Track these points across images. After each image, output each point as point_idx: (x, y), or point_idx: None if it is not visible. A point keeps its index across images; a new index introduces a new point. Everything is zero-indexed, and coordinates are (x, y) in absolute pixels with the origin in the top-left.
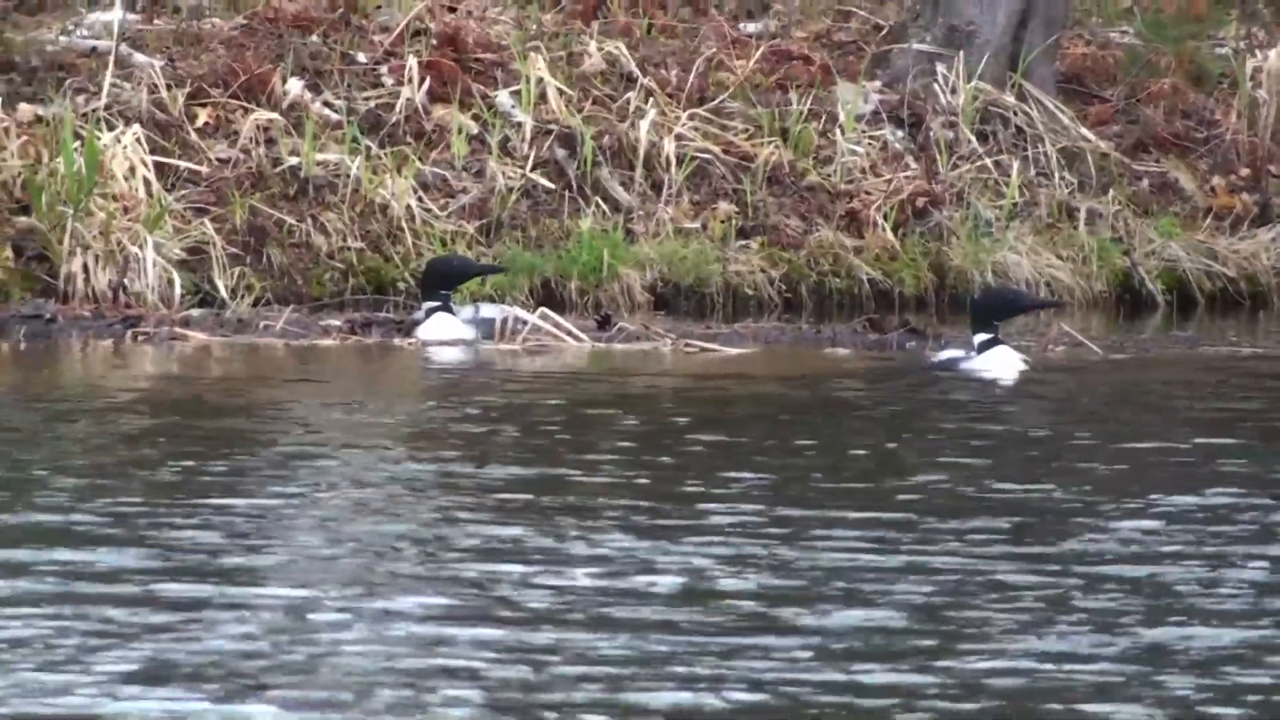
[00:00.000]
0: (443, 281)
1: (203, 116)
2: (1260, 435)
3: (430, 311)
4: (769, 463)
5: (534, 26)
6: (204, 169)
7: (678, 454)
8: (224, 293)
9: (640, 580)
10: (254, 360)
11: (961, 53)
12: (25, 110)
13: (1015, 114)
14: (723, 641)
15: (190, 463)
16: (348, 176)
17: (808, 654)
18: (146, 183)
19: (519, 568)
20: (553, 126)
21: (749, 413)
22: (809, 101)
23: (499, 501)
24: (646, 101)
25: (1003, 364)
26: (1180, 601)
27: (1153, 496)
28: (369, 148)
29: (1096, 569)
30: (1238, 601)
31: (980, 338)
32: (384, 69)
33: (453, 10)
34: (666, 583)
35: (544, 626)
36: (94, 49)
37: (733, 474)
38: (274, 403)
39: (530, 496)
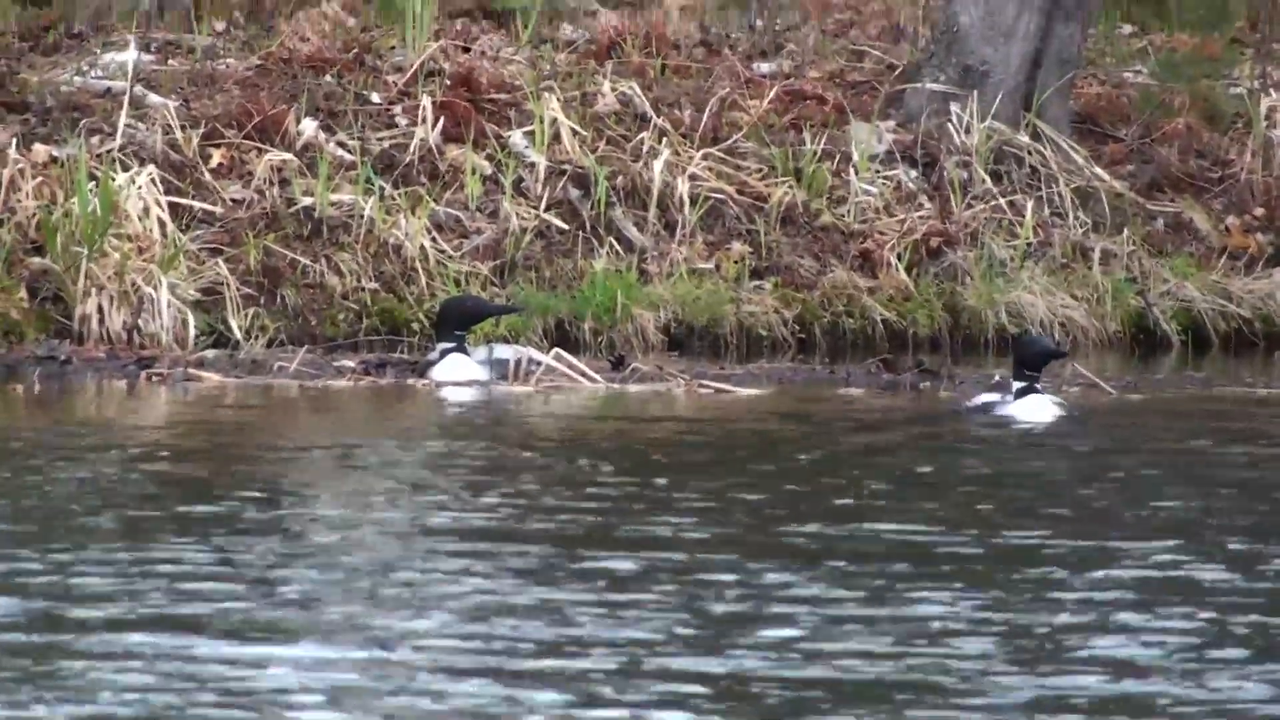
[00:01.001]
0: (457, 322)
1: (217, 157)
2: (1234, 483)
3: (445, 352)
4: (734, 509)
5: (548, 67)
6: (218, 209)
7: (645, 499)
8: (238, 333)
9: (508, 625)
10: (266, 402)
11: (975, 92)
12: (40, 151)
13: (1029, 154)
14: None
15: (155, 510)
16: (361, 217)
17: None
18: (161, 223)
19: (407, 614)
20: (566, 167)
21: (743, 456)
22: (823, 141)
23: (428, 547)
24: (660, 142)
25: (1037, 410)
26: (1074, 651)
27: (1113, 544)
28: (383, 188)
29: (993, 614)
30: (1132, 651)
31: (1018, 385)
32: (398, 109)
33: (466, 50)
34: (540, 631)
35: (403, 670)
36: (109, 90)
37: (682, 520)
38: (273, 446)
39: (459, 544)
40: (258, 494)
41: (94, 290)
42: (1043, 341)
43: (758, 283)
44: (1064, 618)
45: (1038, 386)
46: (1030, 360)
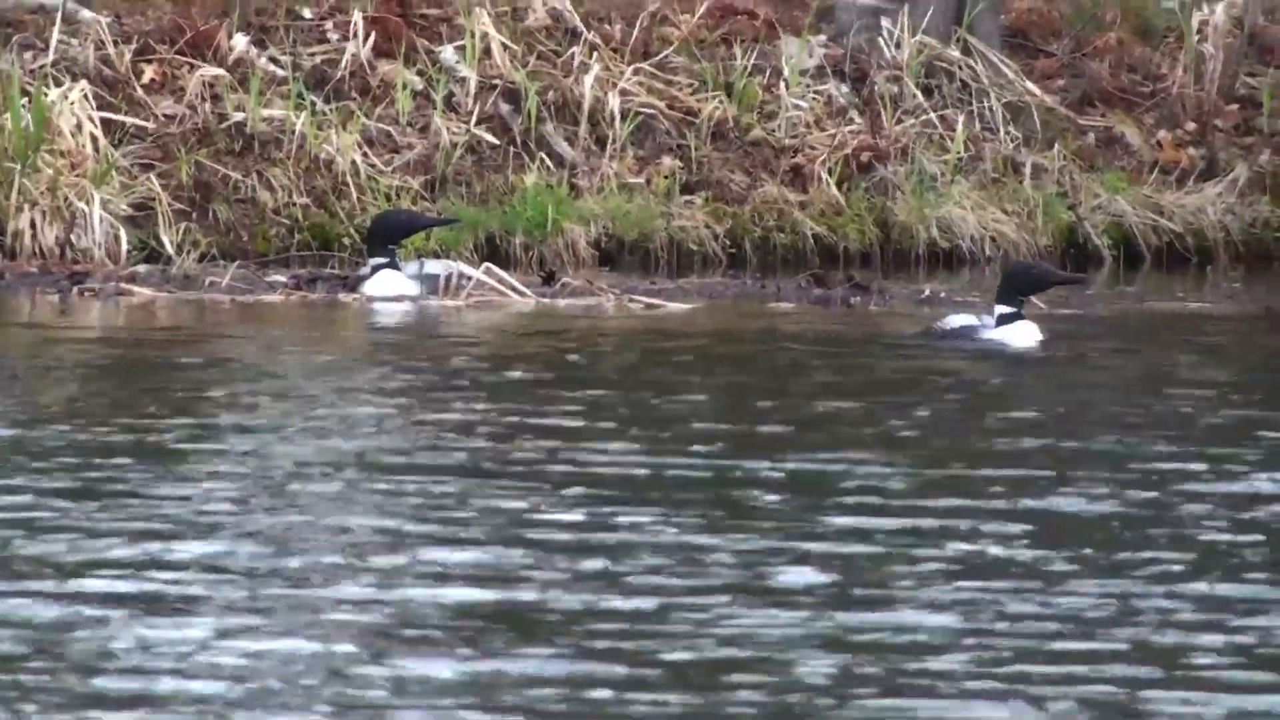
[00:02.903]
0: (389, 236)
1: (149, 73)
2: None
3: (376, 267)
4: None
5: None
6: (150, 125)
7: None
8: (170, 249)
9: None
10: (194, 316)
11: (906, 6)
12: None
13: (960, 68)
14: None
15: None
16: (293, 132)
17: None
18: (93, 139)
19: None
20: (497, 82)
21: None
22: (753, 56)
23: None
24: (591, 56)
25: (1023, 336)
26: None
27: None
28: (314, 103)
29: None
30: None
31: (1001, 309)
32: (329, 24)
33: None
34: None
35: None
36: (41, 5)
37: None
38: (190, 363)
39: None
40: (117, 417)
41: (26, 205)
42: (1035, 267)
43: (688, 198)
44: (757, 542)
45: (1023, 312)
46: (1023, 286)
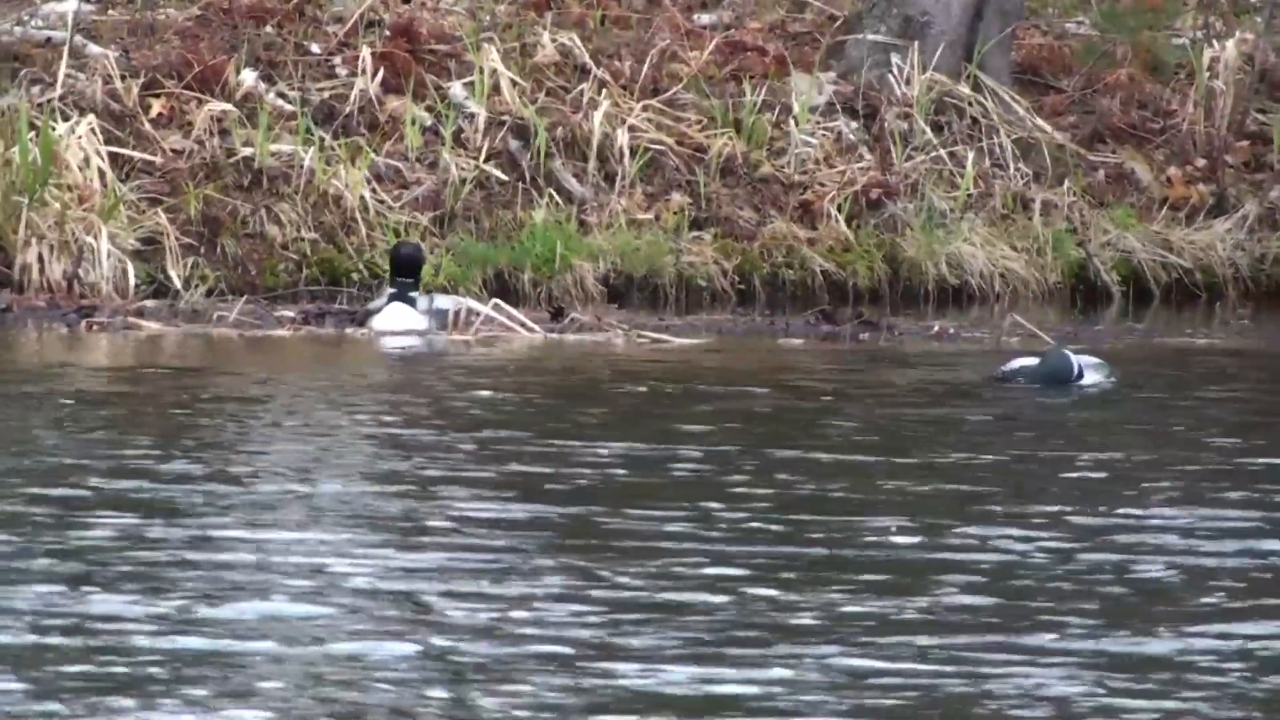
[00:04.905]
0: (398, 268)
1: (157, 107)
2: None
3: (391, 298)
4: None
5: (488, 18)
6: (158, 159)
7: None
8: (178, 283)
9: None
10: (201, 350)
11: (916, 44)
12: None
13: (970, 105)
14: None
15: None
16: (301, 167)
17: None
18: (101, 173)
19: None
20: (506, 118)
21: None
22: (763, 93)
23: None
24: (600, 93)
25: (1088, 377)
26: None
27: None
28: (323, 139)
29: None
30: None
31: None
32: (338, 60)
33: (406, 1)
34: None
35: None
36: (49, 39)
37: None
38: (184, 397)
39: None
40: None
41: (34, 239)
42: (1067, 367)
43: (697, 234)
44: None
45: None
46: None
